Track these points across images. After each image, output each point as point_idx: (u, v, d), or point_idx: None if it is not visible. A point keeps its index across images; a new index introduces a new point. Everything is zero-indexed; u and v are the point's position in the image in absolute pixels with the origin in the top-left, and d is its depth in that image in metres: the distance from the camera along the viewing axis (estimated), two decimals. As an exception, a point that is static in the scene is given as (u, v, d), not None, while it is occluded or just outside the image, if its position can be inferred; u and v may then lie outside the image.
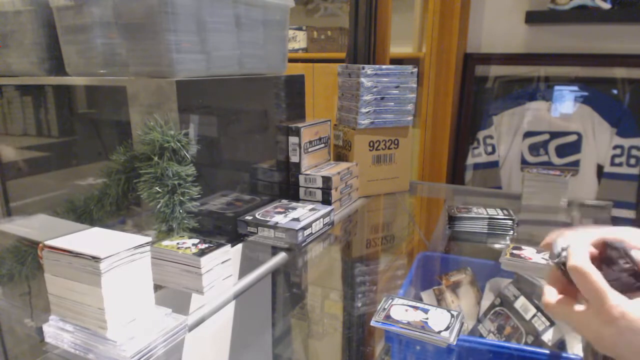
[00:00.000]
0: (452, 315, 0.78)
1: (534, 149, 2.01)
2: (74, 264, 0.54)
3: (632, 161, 1.84)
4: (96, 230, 0.62)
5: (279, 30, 1.00)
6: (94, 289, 0.53)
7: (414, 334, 0.74)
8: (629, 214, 1.86)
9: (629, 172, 1.85)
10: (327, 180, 1.02)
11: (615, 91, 1.90)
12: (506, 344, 0.86)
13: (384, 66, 1.17)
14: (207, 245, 0.69)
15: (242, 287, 0.74)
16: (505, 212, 1.13)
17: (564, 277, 0.54)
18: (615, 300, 0.47)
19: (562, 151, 1.97)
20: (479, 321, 1.04)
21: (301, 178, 1.05)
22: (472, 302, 1.12)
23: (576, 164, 1.94)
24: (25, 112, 0.95)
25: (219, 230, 0.87)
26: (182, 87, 0.74)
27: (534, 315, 0.99)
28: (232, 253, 0.72)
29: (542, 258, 0.92)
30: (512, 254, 0.93)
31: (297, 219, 0.88)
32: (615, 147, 1.87)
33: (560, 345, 0.90)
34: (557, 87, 1.97)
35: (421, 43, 2.31)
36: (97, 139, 0.89)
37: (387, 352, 1.15)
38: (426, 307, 0.80)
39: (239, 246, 0.87)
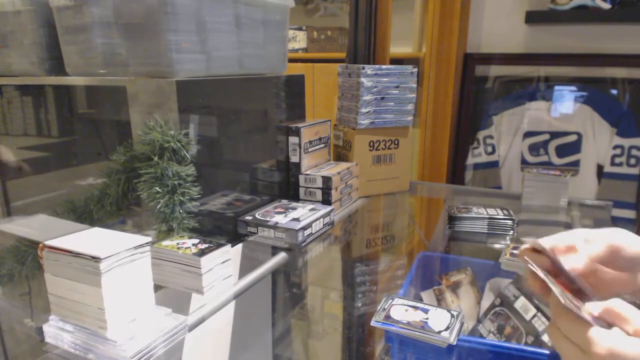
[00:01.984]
0: (452, 315, 0.77)
1: (534, 149, 2.01)
2: (74, 264, 0.54)
3: (632, 161, 1.84)
4: (96, 230, 0.62)
5: (279, 30, 1.00)
6: (94, 289, 0.53)
7: (414, 334, 0.74)
8: (629, 214, 1.86)
9: (629, 172, 1.85)
10: (327, 180, 1.02)
11: (615, 91, 1.90)
12: (506, 344, 0.86)
13: (384, 66, 1.17)
14: (207, 245, 0.69)
15: (242, 287, 0.74)
16: (505, 212, 1.13)
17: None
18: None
19: (562, 151, 1.96)
20: (479, 321, 1.04)
21: (301, 178, 1.05)
22: (472, 302, 1.11)
23: (576, 164, 1.94)
24: (25, 112, 0.95)
25: (219, 230, 0.87)
26: (182, 87, 0.74)
27: (534, 316, 0.99)
28: (232, 253, 0.72)
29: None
30: (512, 254, 0.93)
31: (297, 219, 0.88)
32: (615, 147, 1.86)
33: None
34: (557, 87, 1.97)
35: (421, 43, 2.31)
36: (97, 139, 0.89)
37: (387, 352, 1.15)
38: (426, 307, 0.80)
39: (239, 246, 0.87)
